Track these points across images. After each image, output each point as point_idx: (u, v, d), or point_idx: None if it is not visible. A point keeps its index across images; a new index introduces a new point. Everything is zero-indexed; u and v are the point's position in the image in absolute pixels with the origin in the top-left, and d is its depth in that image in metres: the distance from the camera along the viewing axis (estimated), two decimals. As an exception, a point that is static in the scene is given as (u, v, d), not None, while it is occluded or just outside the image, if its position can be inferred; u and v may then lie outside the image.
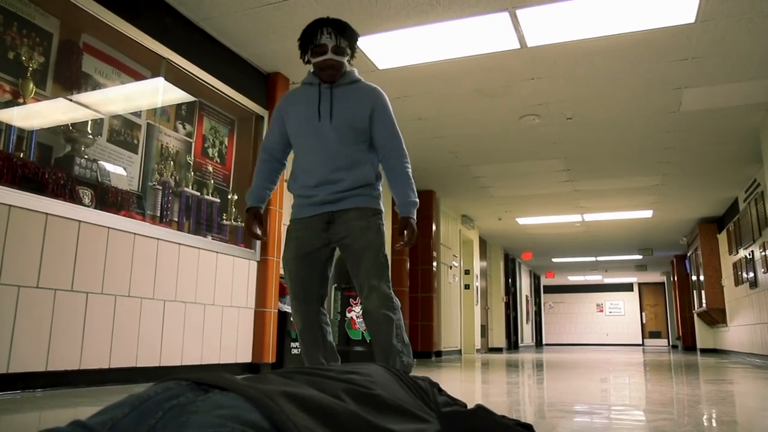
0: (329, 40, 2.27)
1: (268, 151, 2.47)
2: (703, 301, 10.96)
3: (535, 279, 19.75)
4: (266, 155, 2.47)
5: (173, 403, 0.78)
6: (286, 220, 5.20)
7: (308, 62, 2.35)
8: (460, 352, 10.19)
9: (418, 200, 2.37)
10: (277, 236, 4.74)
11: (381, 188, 2.41)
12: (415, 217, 2.34)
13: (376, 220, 2.34)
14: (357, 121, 2.32)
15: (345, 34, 2.30)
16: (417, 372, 2.68)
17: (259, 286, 4.60)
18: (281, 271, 4.87)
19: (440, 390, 1.39)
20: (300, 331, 2.35)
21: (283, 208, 4.94)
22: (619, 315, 22.55)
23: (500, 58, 4.52)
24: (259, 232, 2.41)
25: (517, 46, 4.30)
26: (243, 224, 4.65)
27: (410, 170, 2.40)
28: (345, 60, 2.34)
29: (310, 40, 2.30)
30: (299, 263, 2.32)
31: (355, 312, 5.69)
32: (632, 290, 22.56)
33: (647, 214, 9.97)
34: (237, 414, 0.74)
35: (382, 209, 2.39)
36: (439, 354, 8.61)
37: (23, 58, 3.09)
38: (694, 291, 12.46)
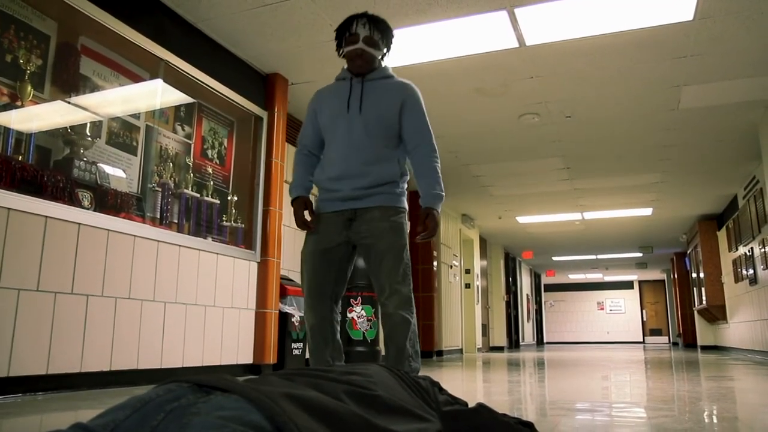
0: (362, 30, 2.29)
1: (305, 145, 2.47)
2: (704, 298, 10.96)
3: (536, 277, 19.75)
4: (303, 150, 2.47)
5: (175, 405, 0.78)
6: (286, 221, 5.20)
7: (342, 55, 2.37)
8: (461, 351, 10.20)
9: (443, 194, 2.33)
10: (276, 237, 4.74)
11: (406, 186, 2.40)
12: (438, 210, 2.31)
13: (399, 219, 2.31)
14: (386, 114, 2.31)
15: (379, 27, 2.32)
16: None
17: (260, 287, 4.60)
18: (281, 272, 4.89)
19: (441, 389, 1.39)
20: (311, 327, 2.33)
21: (283, 209, 4.94)
22: (620, 313, 22.55)
23: (499, 57, 4.52)
24: (309, 218, 2.39)
25: (516, 44, 4.30)
26: (239, 225, 4.65)
27: (438, 165, 2.36)
28: (377, 53, 2.35)
29: (344, 30, 2.33)
30: (317, 259, 2.31)
31: (356, 312, 5.69)
32: (633, 288, 22.57)
33: (647, 211, 9.97)
34: (239, 415, 0.74)
35: (406, 207, 2.37)
36: (440, 353, 8.62)
37: (21, 61, 3.09)
38: (695, 288, 12.47)
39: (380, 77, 2.38)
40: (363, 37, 2.29)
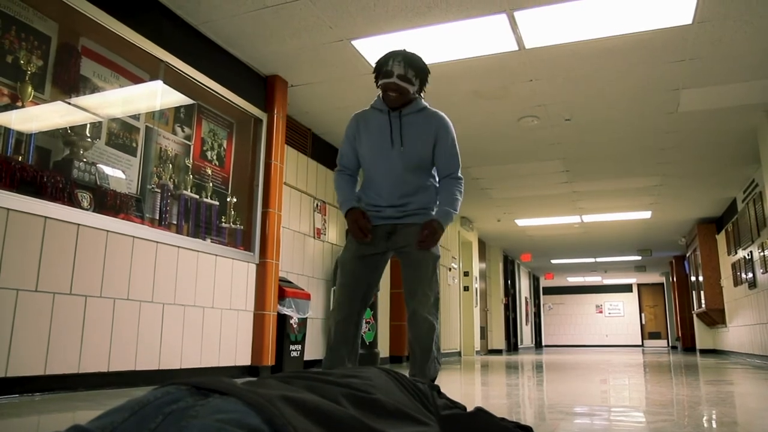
0: (397, 67, 2.48)
1: (346, 167, 2.65)
2: (702, 301, 10.96)
3: (535, 280, 19.75)
4: (346, 171, 2.65)
5: (173, 408, 0.78)
6: (285, 222, 5.20)
7: (378, 87, 2.56)
8: (459, 354, 10.19)
9: (454, 213, 2.58)
10: (275, 239, 4.74)
11: None
12: (442, 225, 2.52)
13: None
14: (423, 148, 2.55)
15: (414, 65, 2.51)
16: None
17: (258, 288, 4.59)
18: (280, 274, 4.88)
19: (440, 393, 1.39)
20: (336, 323, 2.51)
21: (282, 210, 4.94)
22: (619, 316, 22.55)
23: (498, 60, 4.52)
24: (369, 226, 2.53)
25: (515, 47, 4.31)
26: (238, 226, 4.65)
27: (460, 192, 2.64)
28: (410, 88, 2.52)
29: (380, 65, 2.52)
30: (357, 263, 2.54)
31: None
32: (631, 291, 22.57)
33: (646, 214, 9.98)
34: (237, 418, 0.74)
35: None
36: (438, 356, 8.60)
37: (21, 62, 3.09)
38: (693, 292, 12.47)
39: (415, 111, 2.57)
40: (397, 74, 2.47)
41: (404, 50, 2.54)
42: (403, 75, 2.48)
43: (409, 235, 2.51)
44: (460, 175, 2.66)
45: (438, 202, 2.60)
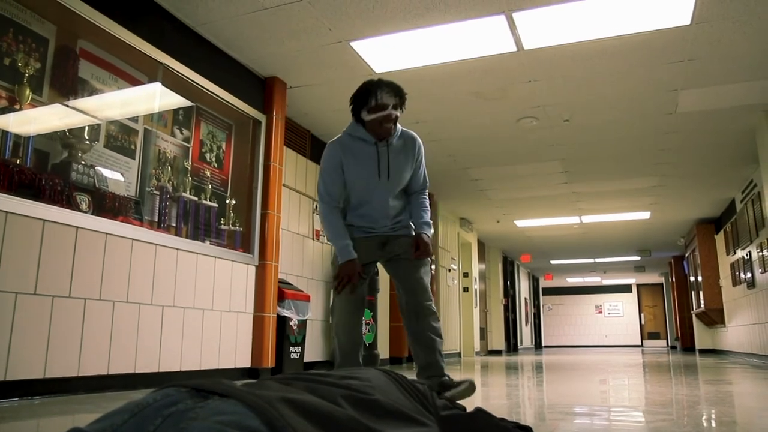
0: (388, 98, 2.53)
1: (334, 200, 2.68)
2: (702, 301, 10.97)
3: (534, 281, 19.76)
4: (333, 204, 2.68)
5: (172, 410, 0.78)
6: (284, 224, 5.20)
7: (359, 120, 2.61)
8: (459, 354, 10.19)
9: (431, 223, 2.78)
10: (275, 241, 4.74)
11: None
12: (429, 234, 2.71)
13: None
14: (406, 174, 2.71)
15: (399, 93, 2.57)
16: (415, 376, 2.68)
17: (258, 290, 4.59)
18: (279, 276, 4.88)
19: (439, 393, 1.39)
20: (353, 329, 2.71)
21: (281, 212, 4.94)
22: (618, 316, 22.55)
23: (497, 61, 4.53)
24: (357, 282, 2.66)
25: (514, 48, 4.31)
26: (237, 228, 4.64)
27: (428, 202, 2.83)
28: (399, 116, 2.61)
29: (366, 99, 2.55)
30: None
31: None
32: (631, 291, 22.58)
33: (645, 215, 9.98)
34: (236, 420, 0.74)
35: None
36: (438, 357, 8.59)
37: (19, 64, 3.08)
38: (693, 292, 12.48)
39: (396, 137, 2.67)
40: (392, 105, 2.53)
41: (380, 79, 2.59)
42: (396, 104, 2.55)
43: (401, 244, 2.70)
44: (426, 192, 2.87)
45: (414, 216, 2.76)
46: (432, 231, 2.78)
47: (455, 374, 5.63)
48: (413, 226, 2.75)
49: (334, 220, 2.66)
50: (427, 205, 2.81)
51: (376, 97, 2.52)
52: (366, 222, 2.70)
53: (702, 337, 12.32)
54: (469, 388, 2.63)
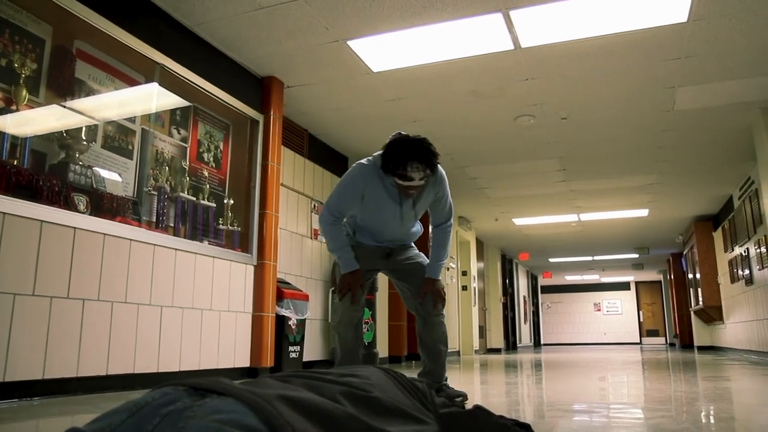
0: (418, 173, 2.48)
1: (338, 218, 2.71)
2: (700, 298, 10.99)
3: (533, 279, 19.77)
4: (337, 220, 2.72)
5: (170, 409, 0.78)
6: (282, 223, 5.20)
7: (388, 170, 2.54)
8: (458, 353, 10.19)
9: (446, 262, 2.88)
10: (273, 240, 4.73)
11: None
12: (438, 279, 2.80)
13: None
14: (424, 210, 2.79)
15: (430, 164, 2.50)
16: (415, 374, 2.68)
17: (257, 290, 4.59)
18: (278, 275, 4.88)
19: (438, 391, 1.39)
20: (355, 326, 2.80)
21: (279, 212, 4.93)
22: (617, 314, 22.58)
23: (494, 60, 4.53)
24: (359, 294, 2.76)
25: (511, 47, 4.31)
26: (235, 228, 4.64)
27: (450, 239, 2.91)
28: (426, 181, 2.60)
29: (396, 164, 2.48)
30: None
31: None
32: (629, 289, 22.60)
33: (643, 212, 9.99)
34: (234, 419, 0.74)
35: None
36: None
37: (15, 65, 3.08)
38: (691, 289, 12.50)
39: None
40: (419, 178, 2.50)
41: (416, 148, 2.47)
42: (422, 177, 2.51)
43: (408, 252, 2.85)
44: (452, 221, 2.91)
45: (432, 254, 2.83)
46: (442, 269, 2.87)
47: (454, 374, 5.63)
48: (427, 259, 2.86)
49: (336, 232, 2.71)
50: (449, 239, 2.87)
51: (405, 169, 2.47)
52: (372, 239, 2.81)
53: (700, 334, 12.33)
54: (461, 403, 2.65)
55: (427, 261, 2.86)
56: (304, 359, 5.12)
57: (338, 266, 2.87)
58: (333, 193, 2.72)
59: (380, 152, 2.60)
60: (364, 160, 2.69)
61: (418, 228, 2.90)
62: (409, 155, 2.44)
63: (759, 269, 7.67)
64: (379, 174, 2.61)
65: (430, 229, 2.92)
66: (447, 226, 2.86)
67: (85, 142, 3.43)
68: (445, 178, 2.77)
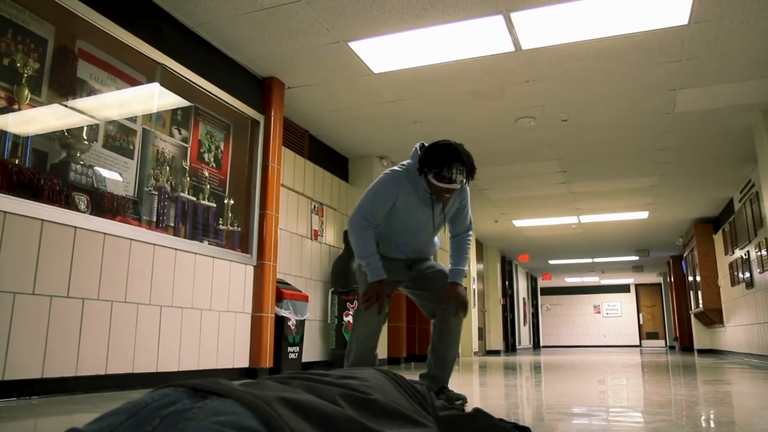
0: (460, 176, 2.56)
1: (371, 222, 2.69)
2: (700, 301, 10.98)
3: (532, 281, 19.76)
4: (369, 225, 2.69)
5: (170, 410, 0.78)
6: (282, 224, 5.20)
7: (423, 172, 2.58)
8: (457, 354, 10.18)
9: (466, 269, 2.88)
10: (273, 241, 4.73)
11: None
12: (462, 284, 2.78)
13: None
14: (448, 218, 2.83)
15: (471, 172, 2.61)
16: (414, 375, 2.68)
17: (256, 290, 4.59)
18: (278, 276, 4.88)
19: (438, 393, 1.39)
20: (374, 338, 2.78)
21: (279, 212, 4.93)
22: (617, 316, 22.57)
23: (495, 61, 4.53)
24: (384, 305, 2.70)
25: (512, 48, 4.31)
26: (235, 228, 4.64)
27: (471, 246, 2.95)
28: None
29: (440, 165, 2.53)
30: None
31: (353, 316, 5.69)
32: (629, 291, 22.59)
33: (643, 215, 9.99)
34: (234, 420, 0.74)
35: None
36: (436, 357, 8.58)
37: (18, 65, 3.08)
38: (691, 292, 12.49)
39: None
40: (460, 182, 2.58)
41: (461, 153, 2.57)
42: (462, 180, 2.59)
43: (426, 262, 2.87)
44: (472, 231, 2.95)
45: (453, 261, 2.85)
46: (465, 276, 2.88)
47: (454, 376, 5.63)
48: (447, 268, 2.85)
49: (369, 237, 2.67)
50: (469, 247, 2.91)
51: (450, 171, 2.53)
52: (397, 251, 2.79)
53: (700, 337, 12.33)
54: (460, 406, 2.66)
55: (447, 269, 2.89)
56: (303, 360, 5.12)
57: (360, 274, 2.79)
58: (365, 198, 2.70)
59: (409, 161, 2.69)
60: (395, 167, 2.74)
61: (437, 241, 2.92)
62: (454, 158, 2.53)
63: (759, 272, 7.67)
64: (411, 180, 2.64)
65: (449, 240, 2.96)
66: (467, 235, 2.90)
67: (86, 142, 3.43)
68: (468, 189, 2.83)
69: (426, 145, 2.67)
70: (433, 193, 2.63)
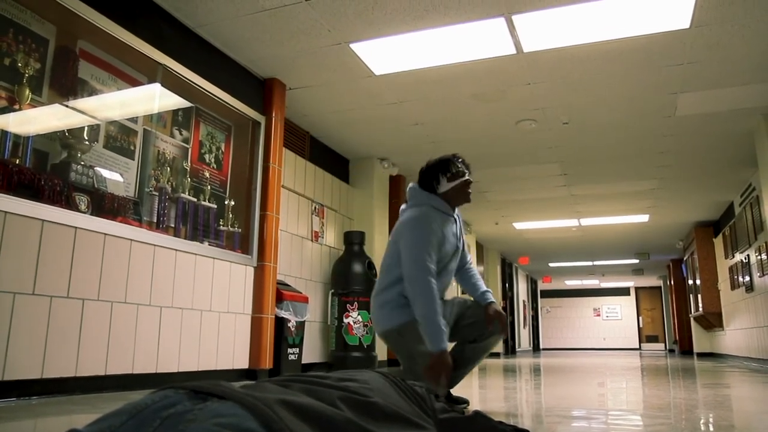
0: (465, 168, 2.72)
1: (434, 272, 2.51)
2: (700, 305, 10.97)
3: (532, 283, 19.75)
4: (433, 277, 2.49)
5: (171, 412, 0.78)
6: (283, 225, 5.20)
7: (433, 190, 2.67)
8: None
9: None
10: (273, 242, 4.73)
11: None
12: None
13: None
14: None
15: (470, 168, 2.74)
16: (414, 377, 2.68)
17: (256, 291, 4.59)
18: (278, 277, 4.88)
19: (437, 396, 1.38)
20: None
21: (280, 213, 4.94)
22: (616, 319, 22.55)
23: (496, 64, 4.53)
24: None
25: (513, 51, 4.31)
26: (236, 229, 4.64)
27: None
28: None
29: (447, 167, 2.68)
30: None
31: (352, 318, 5.69)
32: (629, 294, 22.57)
33: (644, 218, 9.99)
34: (235, 422, 0.74)
35: None
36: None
37: (19, 65, 3.08)
38: (691, 295, 12.48)
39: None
40: (469, 171, 2.70)
41: (454, 154, 2.76)
42: (469, 172, 2.73)
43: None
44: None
45: (478, 287, 2.82)
46: None
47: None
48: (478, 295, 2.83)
49: (436, 292, 2.44)
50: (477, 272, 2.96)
51: (456, 165, 2.66)
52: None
53: (700, 340, 12.32)
54: (460, 409, 2.64)
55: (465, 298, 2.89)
56: (303, 361, 5.12)
57: (411, 333, 2.48)
58: (417, 243, 2.48)
59: (415, 207, 2.67)
60: (409, 213, 2.68)
61: None
62: (450, 156, 2.71)
63: (759, 276, 7.66)
64: (437, 213, 2.64)
65: (456, 275, 2.91)
66: (471, 263, 2.93)
67: (87, 142, 3.43)
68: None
69: (415, 183, 2.76)
70: (454, 202, 2.68)
